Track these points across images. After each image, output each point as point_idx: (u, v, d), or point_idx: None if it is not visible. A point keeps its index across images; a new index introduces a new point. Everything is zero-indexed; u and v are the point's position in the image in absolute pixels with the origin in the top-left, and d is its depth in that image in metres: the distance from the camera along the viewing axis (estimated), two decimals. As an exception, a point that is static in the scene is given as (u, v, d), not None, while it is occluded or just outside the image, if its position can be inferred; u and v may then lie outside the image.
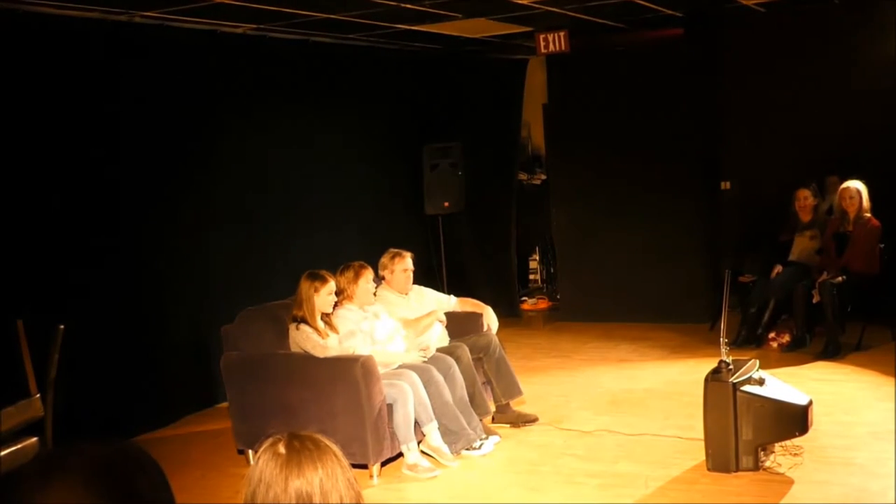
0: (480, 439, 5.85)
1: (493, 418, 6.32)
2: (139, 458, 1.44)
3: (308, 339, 5.55)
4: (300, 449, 1.82)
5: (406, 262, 6.42)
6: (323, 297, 5.61)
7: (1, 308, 5.42)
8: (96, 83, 6.45)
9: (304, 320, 5.59)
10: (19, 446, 4.75)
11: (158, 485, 1.42)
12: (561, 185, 9.93)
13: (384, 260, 6.42)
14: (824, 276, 7.72)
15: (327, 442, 1.87)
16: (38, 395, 4.95)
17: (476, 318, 6.62)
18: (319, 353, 5.53)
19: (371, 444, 5.42)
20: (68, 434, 5.11)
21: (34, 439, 4.85)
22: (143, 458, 1.44)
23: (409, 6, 7.09)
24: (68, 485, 1.33)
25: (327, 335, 5.67)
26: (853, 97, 8.67)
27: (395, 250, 6.44)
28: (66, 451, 1.40)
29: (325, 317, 5.70)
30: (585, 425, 6.27)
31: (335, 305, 5.82)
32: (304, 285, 5.63)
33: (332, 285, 5.65)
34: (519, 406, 6.57)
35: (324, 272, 5.67)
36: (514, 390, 6.44)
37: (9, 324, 5.11)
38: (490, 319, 6.58)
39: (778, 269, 8.12)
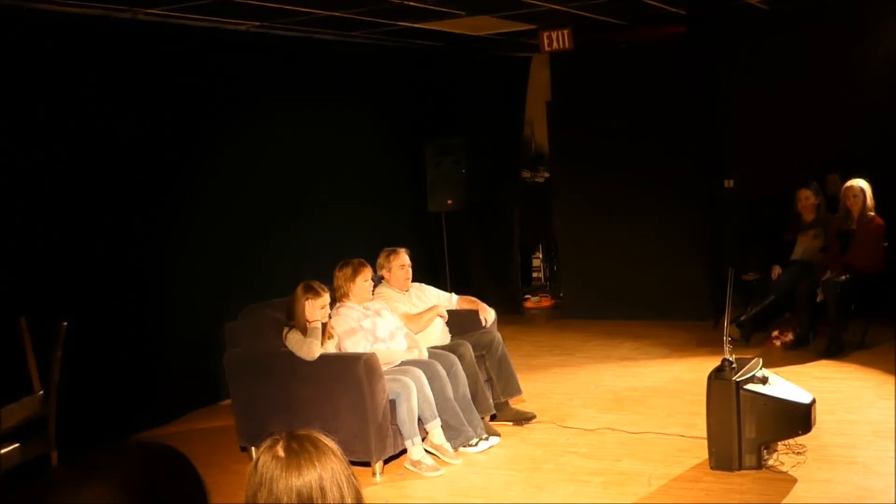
0: (480, 438, 5.86)
1: (492, 416, 6.31)
2: (176, 462, 1.45)
3: (294, 345, 5.55)
4: (299, 450, 1.82)
5: (402, 258, 6.43)
6: (315, 309, 5.59)
7: (4, 305, 5.43)
8: (98, 80, 6.46)
9: (293, 328, 5.61)
10: (22, 444, 4.77)
11: (194, 489, 1.43)
12: (564, 183, 9.92)
13: (381, 259, 6.45)
14: (828, 274, 7.71)
15: (326, 441, 1.87)
16: (41, 392, 4.96)
17: (478, 314, 6.63)
18: (306, 356, 5.52)
19: (374, 442, 5.43)
20: (71, 431, 5.13)
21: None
22: (180, 463, 1.45)
23: (412, 3, 7.09)
24: (104, 488, 1.34)
25: (330, 338, 5.68)
26: (856, 94, 8.65)
27: (390, 248, 6.47)
28: (103, 454, 1.41)
29: (324, 325, 5.68)
30: (588, 423, 6.27)
31: (334, 302, 5.82)
32: (298, 295, 5.61)
33: (325, 299, 5.63)
34: (520, 404, 6.57)
35: (318, 285, 5.64)
36: (513, 389, 6.45)
37: (12, 320, 5.12)
38: (486, 312, 6.59)
39: (777, 270, 8.11)
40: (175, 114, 7.03)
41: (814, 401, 5.13)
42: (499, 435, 6.06)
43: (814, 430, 5.15)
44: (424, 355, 5.98)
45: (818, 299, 7.72)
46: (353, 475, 1.87)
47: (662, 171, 9.12)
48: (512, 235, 10.21)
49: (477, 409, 5.98)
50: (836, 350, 7.49)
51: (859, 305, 7.68)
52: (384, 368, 5.59)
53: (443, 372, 5.80)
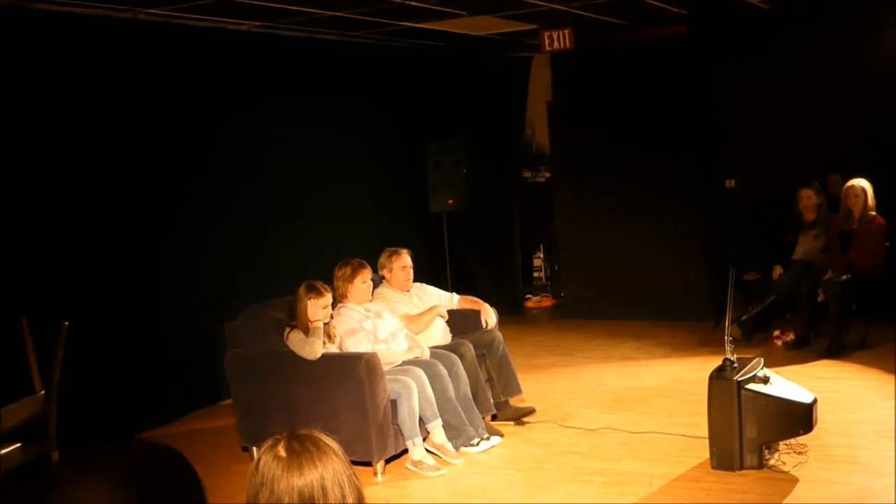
0: (481, 438, 5.86)
1: (493, 416, 6.31)
2: (172, 460, 1.45)
3: (296, 344, 5.55)
4: (300, 450, 1.82)
5: (404, 259, 6.43)
6: (317, 309, 5.59)
7: (6, 305, 5.43)
8: (100, 80, 6.46)
9: (295, 327, 5.61)
10: (23, 444, 4.77)
11: (191, 488, 1.43)
12: (565, 183, 9.92)
13: (382, 259, 6.44)
14: (829, 274, 7.71)
15: (327, 441, 1.87)
16: (42, 392, 4.96)
17: (479, 314, 6.63)
18: (308, 356, 5.52)
19: (375, 442, 5.43)
20: (72, 431, 5.13)
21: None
22: (177, 461, 1.45)
23: (414, 3, 7.09)
24: (100, 485, 1.34)
25: (331, 338, 5.68)
26: (858, 94, 8.64)
27: (392, 248, 6.47)
28: (99, 452, 1.41)
29: (326, 325, 5.68)
30: (589, 423, 6.27)
31: (335, 302, 5.83)
32: (300, 295, 5.61)
33: (327, 298, 5.63)
34: (521, 404, 6.55)
35: (320, 285, 5.64)
36: (513, 388, 6.46)
37: (14, 321, 5.12)
38: (487, 315, 6.59)
39: (778, 270, 8.11)
40: (176, 114, 7.03)
41: (815, 400, 5.13)
42: (501, 434, 6.06)
43: (815, 429, 5.15)
44: (426, 355, 5.98)
45: (819, 299, 7.72)
46: (355, 475, 1.87)
47: (663, 170, 9.11)
48: (513, 235, 10.20)
49: (478, 408, 5.98)
50: (837, 350, 7.48)
51: (860, 305, 7.67)
52: (385, 368, 5.59)
53: (444, 371, 5.80)
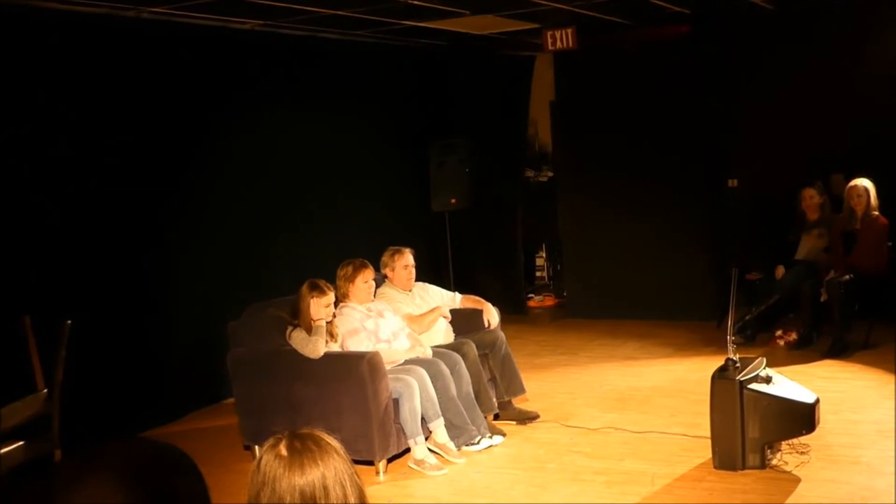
0: (483, 437, 5.86)
1: (496, 415, 6.31)
2: (176, 458, 1.45)
3: (298, 343, 5.56)
4: (301, 449, 1.82)
5: (406, 258, 6.43)
6: (320, 307, 5.59)
7: (8, 304, 5.44)
8: (102, 79, 6.46)
9: (297, 326, 5.61)
10: (26, 443, 4.77)
11: (195, 486, 1.43)
12: (568, 182, 9.92)
13: (385, 258, 6.44)
14: (831, 274, 7.70)
15: (328, 440, 1.87)
16: (44, 391, 4.96)
17: (481, 314, 6.63)
18: (311, 355, 5.52)
19: (377, 441, 5.43)
20: (74, 430, 5.13)
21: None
22: (180, 459, 1.45)
23: (416, 2, 7.09)
24: (103, 483, 1.34)
25: (333, 338, 5.68)
26: (861, 94, 8.63)
27: (395, 248, 6.47)
28: (103, 450, 1.41)
29: (328, 324, 5.68)
30: (591, 423, 6.27)
31: (338, 302, 5.83)
32: (303, 293, 5.61)
33: (329, 297, 5.63)
34: (524, 403, 6.57)
35: (323, 283, 5.65)
36: (517, 388, 6.45)
37: (16, 320, 5.13)
38: (490, 315, 6.58)
39: (781, 269, 8.10)
40: (177, 113, 7.03)
41: (818, 400, 5.13)
42: (503, 434, 6.06)
43: (818, 429, 5.15)
44: (428, 353, 5.97)
45: (822, 299, 7.71)
46: (357, 474, 1.88)
47: (666, 170, 9.11)
48: (515, 235, 10.20)
49: (480, 407, 5.98)
50: (839, 350, 7.47)
51: (863, 305, 7.66)
52: (387, 367, 5.59)
53: (446, 370, 5.80)
